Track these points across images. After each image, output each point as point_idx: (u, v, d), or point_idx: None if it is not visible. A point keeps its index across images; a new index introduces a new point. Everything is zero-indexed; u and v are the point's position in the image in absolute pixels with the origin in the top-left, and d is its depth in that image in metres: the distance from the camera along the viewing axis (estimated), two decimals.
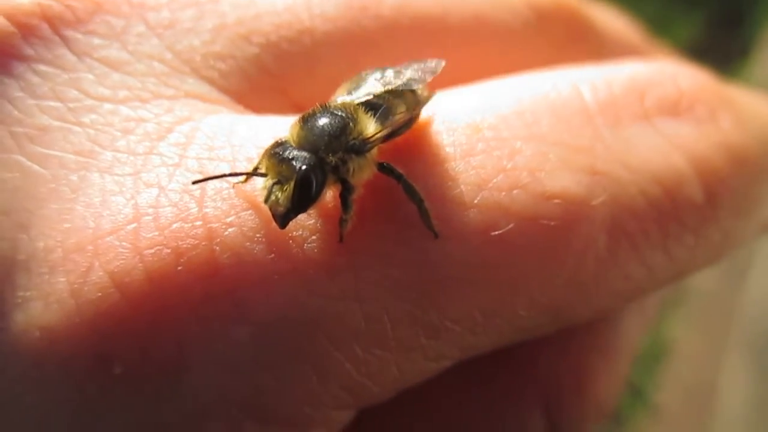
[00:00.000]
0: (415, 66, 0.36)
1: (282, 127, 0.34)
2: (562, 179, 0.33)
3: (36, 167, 0.31)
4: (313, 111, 0.32)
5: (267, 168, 0.29)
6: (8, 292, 0.30)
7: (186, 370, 0.29)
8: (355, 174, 0.31)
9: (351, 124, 0.31)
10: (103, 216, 0.30)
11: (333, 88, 0.38)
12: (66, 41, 0.34)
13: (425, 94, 0.35)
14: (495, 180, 0.33)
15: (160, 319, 0.29)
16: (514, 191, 0.33)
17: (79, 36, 0.34)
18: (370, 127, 0.32)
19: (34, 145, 0.32)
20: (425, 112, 0.35)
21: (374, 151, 0.32)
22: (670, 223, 0.36)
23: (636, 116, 0.37)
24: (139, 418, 0.30)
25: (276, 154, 0.29)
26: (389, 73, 0.35)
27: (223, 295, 0.29)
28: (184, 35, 0.36)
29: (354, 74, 0.38)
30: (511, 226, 0.32)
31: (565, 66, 0.44)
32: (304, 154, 0.29)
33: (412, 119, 0.34)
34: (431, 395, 0.40)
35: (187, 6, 0.37)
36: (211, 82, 0.36)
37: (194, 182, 0.29)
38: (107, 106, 0.33)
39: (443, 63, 0.37)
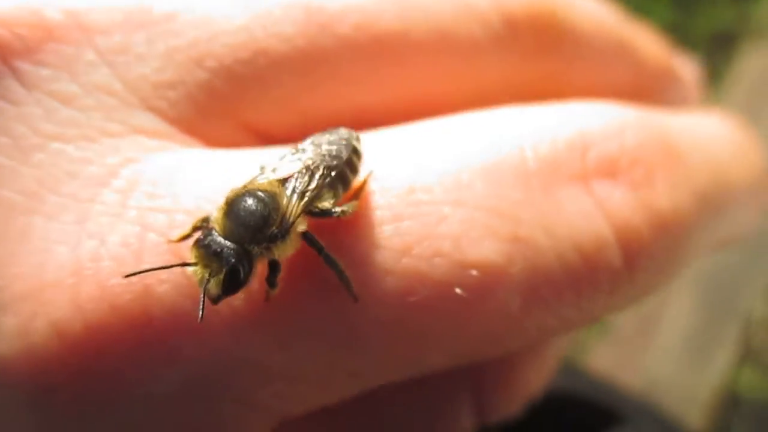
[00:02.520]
0: (333, 139, 0.36)
1: (227, 164, 0.36)
2: (483, 248, 0.35)
3: None
4: (236, 197, 0.33)
5: (197, 258, 0.31)
6: None
7: (120, 405, 0.33)
8: (279, 253, 0.33)
9: (273, 214, 0.33)
10: (47, 266, 0.32)
11: (288, 110, 0.39)
12: (15, 73, 0.34)
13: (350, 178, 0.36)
14: (418, 247, 0.35)
15: (96, 362, 0.32)
16: (435, 259, 0.35)
17: (28, 67, 0.35)
18: (291, 209, 0.33)
19: None
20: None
21: (299, 227, 0.34)
22: (585, 287, 0.38)
23: (572, 177, 0.38)
24: None
25: (205, 246, 0.31)
26: (322, 148, 0.36)
27: (155, 342, 0.33)
28: (135, 62, 0.36)
29: (309, 97, 0.39)
30: (426, 292, 0.35)
31: (529, 83, 0.44)
32: (231, 248, 0.31)
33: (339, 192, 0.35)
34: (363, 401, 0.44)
35: (140, 27, 0.37)
36: (159, 113, 0.36)
37: (126, 276, 0.31)
38: (55, 145, 0.34)
39: (355, 134, 0.37)
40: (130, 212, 0.34)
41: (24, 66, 0.35)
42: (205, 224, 0.33)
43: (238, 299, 0.33)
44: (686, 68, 0.56)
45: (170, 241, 0.33)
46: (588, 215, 0.38)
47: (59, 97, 0.35)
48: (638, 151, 0.40)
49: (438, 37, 0.41)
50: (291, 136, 0.39)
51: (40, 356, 0.32)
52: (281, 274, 0.33)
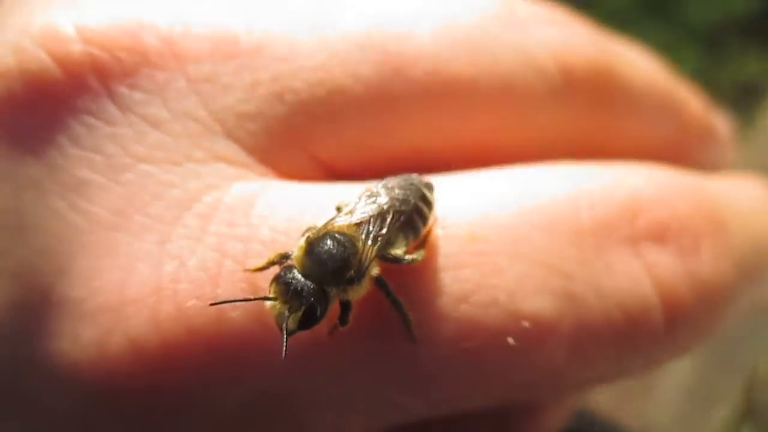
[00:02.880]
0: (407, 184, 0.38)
1: (299, 198, 0.38)
2: (537, 302, 0.37)
3: (77, 218, 0.35)
4: (318, 238, 0.35)
5: (276, 293, 0.33)
6: (39, 321, 0.35)
7: (186, 418, 0.35)
8: (353, 294, 0.35)
9: (352, 258, 0.35)
10: (129, 283, 0.34)
11: (355, 147, 0.41)
12: (111, 94, 0.36)
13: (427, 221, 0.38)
14: (476, 296, 0.36)
15: (166, 377, 0.34)
16: (491, 308, 0.36)
17: (124, 90, 0.37)
18: (366, 253, 0.35)
19: (75, 196, 0.35)
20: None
21: (372, 271, 0.36)
22: (625, 347, 0.40)
23: (623, 239, 0.40)
24: None
25: (285, 284, 0.33)
26: (397, 193, 0.38)
27: (224, 363, 0.34)
28: (221, 92, 0.38)
29: (376, 137, 0.40)
30: (480, 340, 0.36)
31: (580, 137, 0.46)
32: (310, 287, 0.33)
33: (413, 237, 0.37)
34: None
35: (228, 58, 0.39)
36: (239, 142, 0.38)
37: (211, 304, 0.33)
38: (143, 166, 0.36)
39: (425, 181, 0.38)
40: (210, 238, 0.35)
41: (120, 89, 0.37)
42: (283, 260, 0.34)
43: (301, 335, 0.35)
44: (722, 126, 0.58)
45: (246, 270, 0.35)
46: (635, 278, 0.40)
47: (150, 121, 0.37)
48: (687, 220, 0.42)
49: (501, 87, 0.43)
50: (353, 172, 0.41)
51: (113, 366, 0.34)
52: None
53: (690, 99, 0.53)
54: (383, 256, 0.36)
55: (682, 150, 0.51)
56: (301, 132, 0.40)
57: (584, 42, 0.47)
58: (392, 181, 0.38)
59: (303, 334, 0.35)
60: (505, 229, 0.38)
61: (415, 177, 0.39)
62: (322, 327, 0.35)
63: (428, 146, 0.43)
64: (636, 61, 0.50)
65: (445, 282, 0.36)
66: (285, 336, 0.32)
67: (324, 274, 0.34)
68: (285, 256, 0.34)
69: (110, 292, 0.34)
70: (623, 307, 0.39)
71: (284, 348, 0.32)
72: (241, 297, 0.34)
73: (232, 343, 0.34)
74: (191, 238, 0.35)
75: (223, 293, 0.34)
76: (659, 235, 0.41)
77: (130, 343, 0.34)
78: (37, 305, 0.35)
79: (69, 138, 0.36)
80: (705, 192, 0.44)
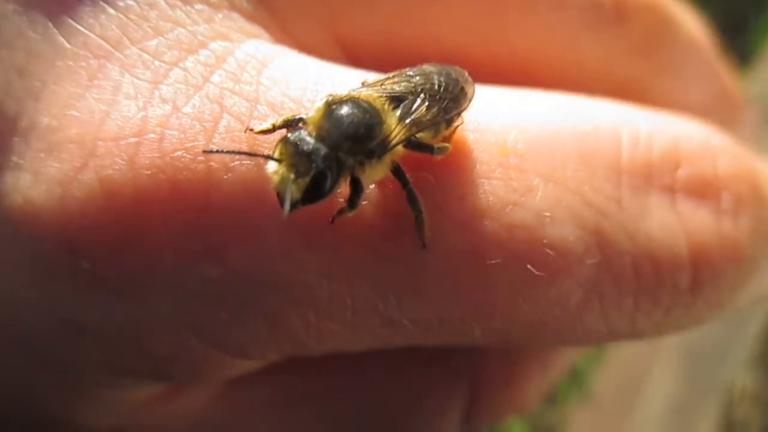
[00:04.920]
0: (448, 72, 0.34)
1: (318, 70, 0.33)
2: (564, 230, 0.33)
3: (60, 38, 0.30)
4: (341, 102, 0.30)
5: (282, 155, 0.28)
6: (1, 149, 0.30)
7: (148, 287, 0.30)
8: (368, 174, 0.30)
9: (377, 128, 0.30)
10: (111, 117, 0.29)
11: (387, 35, 0.36)
12: None
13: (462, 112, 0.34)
14: (502, 212, 0.32)
15: (136, 236, 0.29)
16: (516, 229, 0.32)
17: None
18: (394, 128, 0.31)
19: (63, 13, 0.30)
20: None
21: (394, 154, 0.31)
22: (646, 300, 0.36)
23: (662, 187, 0.37)
24: (96, 314, 0.31)
25: (294, 144, 0.28)
26: (434, 77, 0.33)
27: (204, 234, 0.30)
28: None
29: (411, 27, 0.36)
30: (499, 260, 0.32)
31: (625, 79, 0.42)
32: (323, 150, 0.28)
33: (443, 127, 0.33)
34: (364, 364, 0.41)
35: None
36: (262, 1, 0.34)
37: (204, 151, 0.28)
38: None
39: (467, 75, 0.34)
40: (212, 88, 0.30)
41: None
42: (295, 123, 0.29)
43: (300, 212, 0.30)
44: (748, 109, 0.56)
45: (250, 131, 0.30)
46: (670, 229, 0.36)
47: None
48: (729, 180, 0.38)
49: (544, 5, 0.40)
50: (378, 65, 0.37)
51: (76, 212, 0.29)
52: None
53: (728, 73, 0.51)
54: (409, 142, 0.31)
55: (715, 121, 0.49)
56: (333, 8, 0.35)
57: None
58: (431, 67, 0.34)
59: (301, 216, 0.30)
60: (542, 146, 0.34)
61: (457, 68, 0.34)
62: (322, 210, 0.31)
63: (463, 51, 0.39)
64: (688, 20, 0.47)
65: (469, 190, 0.32)
66: (288, 200, 0.27)
67: (342, 138, 0.29)
68: (297, 120, 0.30)
69: (87, 123, 0.29)
70: (652, 257, 0.35)
71: (285, 214, 0.27)
72: (237, 159, 0.30)
73: (219, 210, 0.30)
74: (190, 84, 0.30)
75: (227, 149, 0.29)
76: (699, 190, 0.38)
77: (99, 184, 0.28)
78: (1, 130, 0.30)
79: None
80: (749, 160, 0.41)
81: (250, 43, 0.32)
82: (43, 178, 0.29)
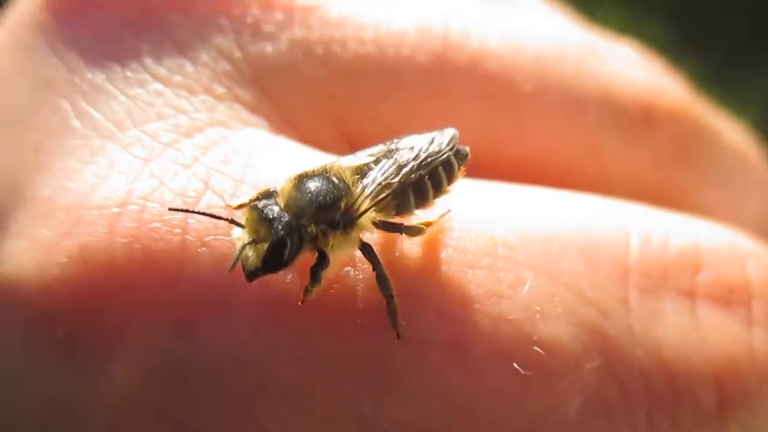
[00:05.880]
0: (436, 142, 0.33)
1: (312, 160, 0.34)
2: (556, 328, 0.30)
3: (75, 121, 0.33)
4: (313, 173, 0.31)
5: (246, 221, 0.29)
6: (6, 216, 0.32)
7: (113, 359, 0.30)
8: (334, 249, 0.30)
9: (342, 198, 0.30)
10: (100, 189, 0.31)
11: (393, 125, 0.37)
12: (149, 7, 0.35)
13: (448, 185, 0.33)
14: (484, 303, 0.30)
15: (108, 305, 0.29)
16: (500, 322, 0.30)
17: (162, 8, 0.35)
18: (361, 200, 0.30)
19: (82, 99, 0.33)
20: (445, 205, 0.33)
21: (363, 228, 0.31)
22: (662, 418, 0.32)
23: (679, 291, 0.33)
24: (65, 388, 0.31)
25: (259, 210, 0.29)
26: (420, 148, 0.33)
27: (174, 308, 0.30)
28: (262, 39, 0.36)
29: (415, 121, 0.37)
30: (480, 355, 0.30)
31: (659, 188, 0.40)
32: (286, 218, 0.28)
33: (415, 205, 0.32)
34: None
35: (276, 9, 0.37)
36: (266, 92, 0.36)
37: (170, 209, 0.29)
38: (156, 86, 0.34)
39: (456, 142, 0.33)
40: (200, 168, 0.32)
41: (157, 4, 0.35)
42: (269, 196, 0.30)
43: (271, 291, 0.30)
44: None
45: (227, 207, 0.30)
46: (689, 340, 0.32)
47: (178, 45, 0.35)
48: (761, 289, 0.34)
49: (565, 105, 0.39)
50: None
51: (54, 278, 0.30)
52: (327, 274, 0.29)
53: None
54: (377, 223, 0.31)
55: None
56: (339, 101, 0.37)
57: (671, 88, 0.43)
58: (415, 138, 0.33)
59: (271, 295, 0.30)
60: (537, 238, 0.32)
61: (447, 132, 0.33)
62: (295, 292, 0.30)
63: (472, 150, 0.38)
64: (726, 129, 0.45)
65: (450, 277, 0.31)
66: (236, 258, 0.27)
67: (306, 206, 0.29)
68: (271, 193, 0.30)
69: (78, 194, 0.31)
70: (665, 367, 0.32)
71: (231, 265, 0.27)
72: (212, 234, 0.30)
73: (190, 284, 0.30)
74: (180, 163, 0.32)
75: (195, 224, 0.30)
76: (725, 297, 0.34)
77: (78, 250, 0.30)
78: (9, 200, 0.32)
79: (95, 42, 0.34)
80: None
81: (248, 131, 0.34)
82: (33, 244, 0.30)
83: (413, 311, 0.30)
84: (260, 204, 0.29)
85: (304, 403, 0.30)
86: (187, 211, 0.29)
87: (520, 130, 0.39)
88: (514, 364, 0.30)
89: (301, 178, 0.30)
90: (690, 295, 0.33)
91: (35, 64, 0.35)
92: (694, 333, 0.32)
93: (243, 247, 0.28)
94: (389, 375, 0.30)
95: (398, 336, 0.29)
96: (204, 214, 0.29)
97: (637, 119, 0.40)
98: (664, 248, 0.34)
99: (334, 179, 0.30)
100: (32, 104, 0.34)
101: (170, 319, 0.29)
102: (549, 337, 0.30)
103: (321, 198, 0.29)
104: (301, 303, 0.30)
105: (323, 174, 0.30)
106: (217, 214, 0.29)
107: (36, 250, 0.30)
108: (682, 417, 0.32)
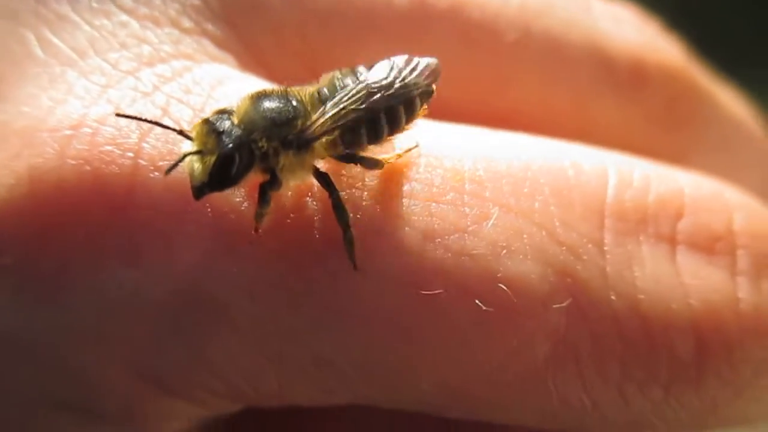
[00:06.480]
0: (411, 69, 0.32)
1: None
2: (523, 265, 0.29)
3: (38, 50, 0.32)
4: (272, 92, 0.29)
5: (196, 134, 0.28)
6: None
7: (63, 289, 0.29)
8: (285, 170, 0.28)
9: (298, 118, 0.29)
10: (54, 113, 0.30)
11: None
12: None
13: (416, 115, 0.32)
14: (447, 237, 0.29)
15: (54, 229, 0.29)
16: (463, 257, 0.29)
17: None
18: (318, 121, 0.29)
19: (47, 29, 0.32)
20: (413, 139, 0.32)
21: (317, 154, 0.29)
22: (637, 367, 0.30)
23: (659, 235, 0.32)
24: (22, 323, 0.30)
25: (210, 123, 0.28)
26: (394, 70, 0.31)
27: (123, 233, 0.29)
28: None
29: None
30: (441, 291, 0.28)
31: (652, 149, 0.39)
32: (237, 132, 0.27)
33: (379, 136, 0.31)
34: None
35: None
36: (236, 29, 0.35)
37: (117, 114, 0.29)
38: (122, 16, 0.33)
39: (436, 62, 0.32)
40: (159, 96, 0.31)
41: None
42: (224, 113, 0.29)
43: (226, 220, 0.29)
44: None
45: (182, 131, 0.29)
46: (665, 285, 0.31)
47: None
48: (747, 240, 0.33)
49: (552, 56, 0.38)
50: None
51: (2, 200, 0.29)
52: (279, 200, 0.28)
53: None
54: (336, 155, 0.29)
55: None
56: (311, 43, 0.36)
57: (666, 47, 0.41)
58: (392, 60, 0.32)
59: (225, 224, 0.29)
60: (507, 176, 0.31)
61: (424, 60, 0.32)
62: (249, 221, 0.29)
63: (454, 103, 0.37)
64: (724, 96, 0.43)
65: (411, 209, 0.29)
66: (178, 161, 0.26)
67: (259, 121, 0.28)
68: (228, 112, 0.29)
69: (33, 117, 0.30)
70: (640, 313, 0.30)
71: (168, 170, 0.26)
72: (167, 159, 0.29)
73: (140, 209, 0.29)
74: (139, 90, 0.31)
75: (149, 149, 0.29)
76: (706, 245, 0.32)
77: (27, 172, 0.29)
78: None
79: None
80: None
81: (214, 65, 0.33)
82: None
83: (373, 244, 0.29)
84: (212, 117, 0.28)
85: (257, 340, 0.29)
86: (133, 117, 0.28)
87: (502, 81, 0.38)
88: (477, 301, 0.28)
89: (258, 96, 0.29)
90: (670, 240, 0.32)
91: None
92: (672, 279, 0.31)
93: (186, 155, 0.26)
94: (347, 312, 0.29)
95: (355, 267, 0.28)
96: (150, 122, 0.28)
97: (628, 76, 0.39)
98: (645, 192, 0.32)
99: (293, 101, 0.29)
100: None
101: (118, 245, 0.28)
102: (515, 274, 0.29)
103: (275, 114, 0.28)
104: (255, 231, 0.28)
105: (280, 92, 0.29)
106: (166, 124, 0.28)
107: None
108: (657, 368, 0.30)
